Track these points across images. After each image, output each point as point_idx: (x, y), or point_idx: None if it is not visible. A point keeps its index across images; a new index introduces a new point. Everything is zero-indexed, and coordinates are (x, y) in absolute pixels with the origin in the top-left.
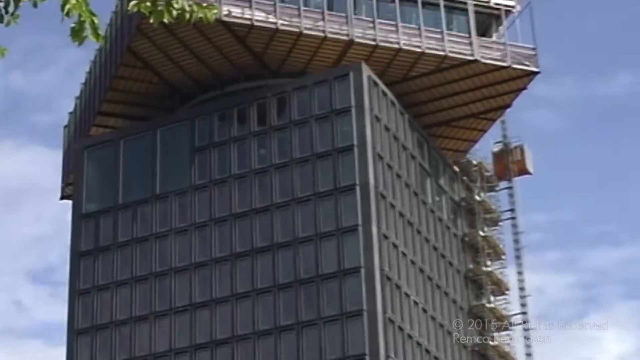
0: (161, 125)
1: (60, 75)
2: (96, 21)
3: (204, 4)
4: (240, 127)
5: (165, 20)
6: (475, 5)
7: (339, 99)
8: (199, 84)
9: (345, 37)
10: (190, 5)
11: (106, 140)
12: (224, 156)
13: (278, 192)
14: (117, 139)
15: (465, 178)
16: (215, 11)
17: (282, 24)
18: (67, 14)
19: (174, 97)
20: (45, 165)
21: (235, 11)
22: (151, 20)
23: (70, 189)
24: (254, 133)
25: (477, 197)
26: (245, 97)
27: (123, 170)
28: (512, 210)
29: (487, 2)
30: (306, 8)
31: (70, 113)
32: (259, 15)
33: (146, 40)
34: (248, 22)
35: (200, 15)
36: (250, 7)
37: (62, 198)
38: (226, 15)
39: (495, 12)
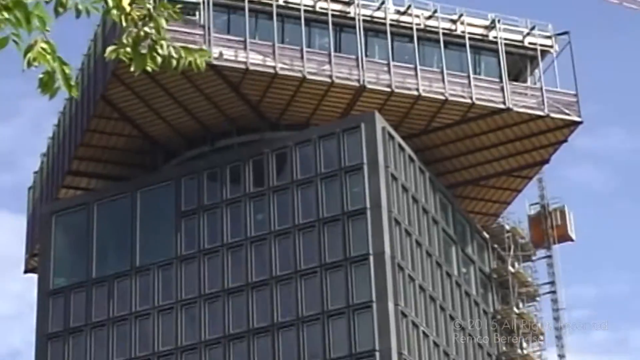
0: (141, 186)
1: (24, 128)
2: (67, 71)
3: (193, 48)
4: (234, 188)
5: (149, 69)
6: (507, 45)
7: (349, 155)
8: (186, 139)
9: (355, 83)
10: (177, 51)
11: (77, 204)
12: (214, 222)
13: (278, 263)
14: (90, 202)
15: (496, 246)
16: (207, 56)
17: (282, 68)
18: (29, 64)
19: (156, 154)
20: (6, 233)
21: (228, 53)
22: (132, 69)
23: (35, 260)
24: (250, 195)
25: (511, 268)
26: (239, 153)
27: (97, 238)
28: (551, 283)
29: (521, 41)
30: (310, 49)
31: (35, 172)
32: (255, 59)
33: (123, 87)
34: (242, 67)
35: (190, 59)
36: (244, 48)
37: (26, 271)
38: (217, 59)
39: (530, 52)
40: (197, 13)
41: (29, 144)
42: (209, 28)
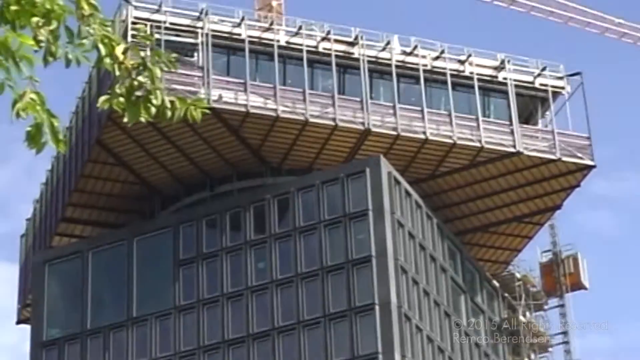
0: (138, 233)
1: (18, 174)
2: (56, 124)
3: (190, 99)
4: (234, 236)
5: (143, 119)
6: (517, 86)
7: (354, 201)
8: (184, 184)
9: (360, 126)
10: (172, 101)
11: (71, 252)
12: (214, 271)
13: (280, 314)
14: (85, 250)
15: (507, 295)
16: (204, 107)
17: (284, 111)
18: (18, 115)
19: (153, 200)
20: None
21: (227, 96)
22: (125, 120)
23: (28, 311)
24: (251, 242)
25: (522, 318)
26: (239, 199)
27: (92, 288)
28: (564, 333)
29: (531, 82)
30: (313, 92)
31: (28, 220)
32: (255, 101)
33: (119, 131)
34: (243, 110)
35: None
36: (245, 91)
37: (18, 322)
38: (216, 101)
39: (541, 94)
40: (195, 54)
41: (23, 190)
42: (208, 70)
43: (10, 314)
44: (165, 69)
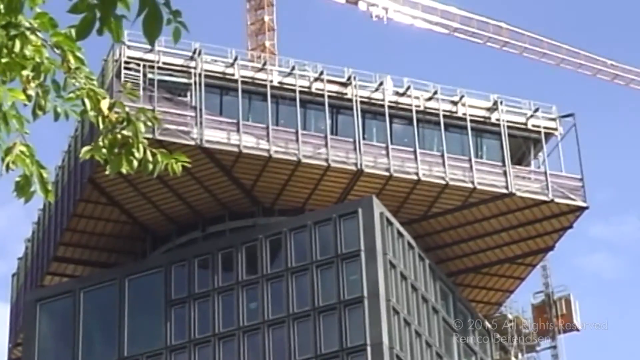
0: (129, 273)
1: (17, 215)
2: (45, 175)
3: (171, 153)
4: (226, 276)
5: (124, 171)
6: (510, 127)
7: (346, 241)
8: (176, 224)
9: (352, 167)
10: (154, 155)
11: (63, 292)
12: (205, 311)
13: (272, 354)
14: (76, 289)
15: (499, 336)
16: (184, 161)
17: (277, 152)
18: (7, 168)
19: (145, 240)
20: None
21: (220, 136)
22: (107, 172)
23: (19, 350)
24: (242, 283)
25: (514, 359)
26: (231, 239)
27: (83, 327)
28: None
29: (524, 123)
30: (305, 132)
31: (19, 258)
32: (248, 141)
33: None
34: (235, 150)
35: (166, 163)
36: (237, 131)
37: None
38: (208, 142)
39: (534, 135)
40: (188, 94)
41: (21, 230)
42: (200, 109)
43: (1, 353)
44: (149, 124)
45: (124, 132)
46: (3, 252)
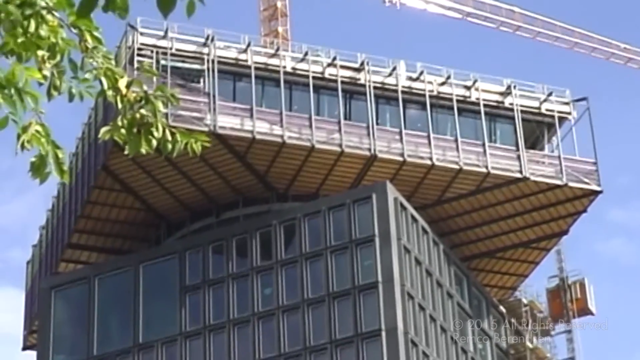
0: (144, 259)
1: (36, 203)
2: (60, 155)
3: (191, 131)
4: (240, 262)
5: (143, 151)
6: (523, 112)
7: (360, 227)
8: (190, 210)
9: (366, 152)
10: (173, 134)
11: (77, 279)
12: (220, 297)
13: (287, 340)
14: (91, 276)
15: (513, 321)
16: (205, 140)
17: (290, 137)
18: (23, 147)
19: (159, 226)
20: (4, 308)
21: (233, 122)
22: (126, 151)
23: (34, 337)
24: (257, 269)
25: (529, 344)
26: (245, 225)
27: (98, 314)
28: (571, 359)
29: (537, 108)
30: (319, 118)
31: (34, 246)
32: (261, 127)
33: (125, 157)
34: (249, 136)
35: (186, 142)
36: (251, 117)
37: (24, 348)
38: (222, 128)
39: (547, 119)
40: (201, 80)
41: (40, 218)
42: (214, 96)
43: (16, 340)
44: (167, 103)
45: (143, 111)
46: (22, 240)
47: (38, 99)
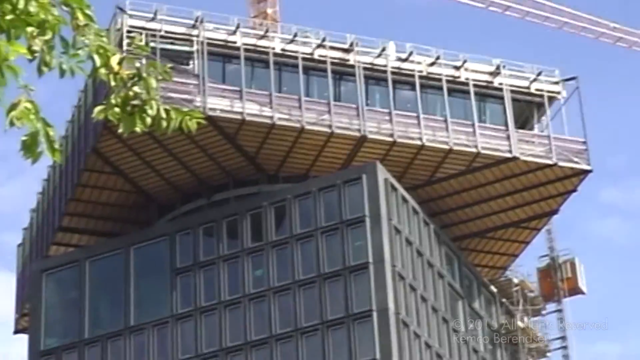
0: (135, 242)
1: (31, 186)
2: (52, 133)
3: (185, 109)
4: (231, 243)
5: (138, 130)
6: (513, 91)
7: (350, 208)
8: (181, 192)
9: (356, 133)
10: (167, 111)
11: (68, 262)
12: (211, 279)
13: (278, 321)
14: (82, 259)
15: (504, 300)
16: (199, 117)
17: (280, 119)
18: (12, 123)
19: (150, 209)
20: None
21: (223, 104)
22: (120, 130)
23: (26, 320)
24: (248, 250)
25: (520, 323)
26: (236, 206)
27: (90, 297)
28: (562, 338)
29: (527, 87)
30: (308, 99)
31: (24, 229)
32: (251, 109)
33: (115, 140)
34: (239, 117)
35: (181, 118)
36: (240, 98)
37: (16, 332)
38: (211, 110)
39: (537, 99)
40: (191, 62)
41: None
42: (203, 77)
43: (7, 323)
44: (160, 78)
45: (136, 88)
46: (16, 223)
47: (18, 74)
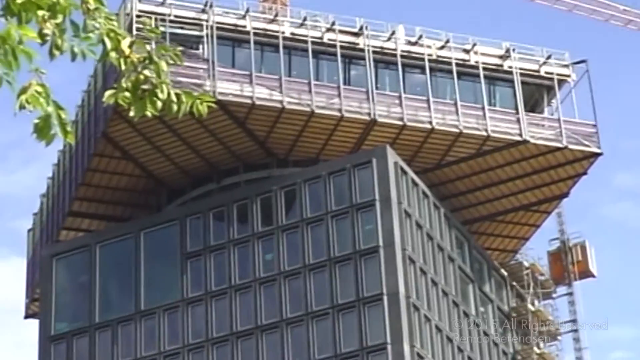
0: (145, 226)
1: (45, 172)
2: (64, 116)
3: (196, 92)
4: (241, 228)
5: (149, 114)
6: (523, 75)
7: (360, 191)
8: (191, 177)
9: (365, 117)
10: (178, 95)
11: (79, 246)
12: (221, 263)
13: (289, 305)
14: (92, 244)
15: (515, 284)
16: (210, 100)
17: (290, 103)
18: (22, 107)
19: (160, 193)
20: (5, 276)
21: (233, 88)
22: (131, 114)
23: (36, 305)
24: (258, 234)
25: (531, 307)
26: (246, 191)
27: (100, 281)
28: (573, 321)
29: (537, 70)
30: (318, 83)
31: (35, 214)
32: (261, 93)
33: (125, 124)
34: (248, 101)
35: (192, 101)
36: (250, 82)
37: (26, 317)
38: (221, 94)
39: (547, 82)
40: (200, 46)
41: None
42: (213, 62)
43: (18, 308)
44: (171, 62)
45: (146, 72)
46: (28, 209)
47: (32, 58)
